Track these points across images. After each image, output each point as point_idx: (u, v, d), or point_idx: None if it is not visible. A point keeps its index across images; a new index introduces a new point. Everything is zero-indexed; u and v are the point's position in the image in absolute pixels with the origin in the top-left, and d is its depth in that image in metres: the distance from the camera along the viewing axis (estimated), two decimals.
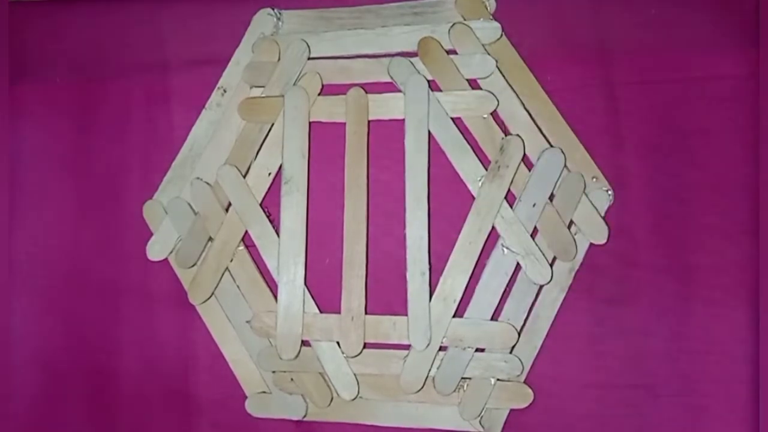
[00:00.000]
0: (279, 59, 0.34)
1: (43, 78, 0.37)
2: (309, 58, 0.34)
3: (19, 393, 0.36)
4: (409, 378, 0.32)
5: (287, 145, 0.33)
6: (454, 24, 0.33)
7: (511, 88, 0.33)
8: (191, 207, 0.34)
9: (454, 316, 0.32)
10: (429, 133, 0.32)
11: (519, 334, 0.32)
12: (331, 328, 0.33)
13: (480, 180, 0.32)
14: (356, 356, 0.32)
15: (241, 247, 0.34)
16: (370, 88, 0.34)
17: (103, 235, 0.36)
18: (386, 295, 0.33)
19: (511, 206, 0.32)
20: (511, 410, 0.32)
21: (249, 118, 0.34)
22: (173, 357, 0.35)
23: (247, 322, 0.33)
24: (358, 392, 0.33)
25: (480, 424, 0.32)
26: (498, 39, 0.33)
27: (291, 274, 0.33)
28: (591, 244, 0.32)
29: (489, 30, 0.33)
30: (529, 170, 0.32)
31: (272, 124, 0.34)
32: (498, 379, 0.32)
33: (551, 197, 0.32)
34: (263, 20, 0.35)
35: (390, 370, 0.32)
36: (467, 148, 0.32)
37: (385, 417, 0.33)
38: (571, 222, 0.32)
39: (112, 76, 0.37)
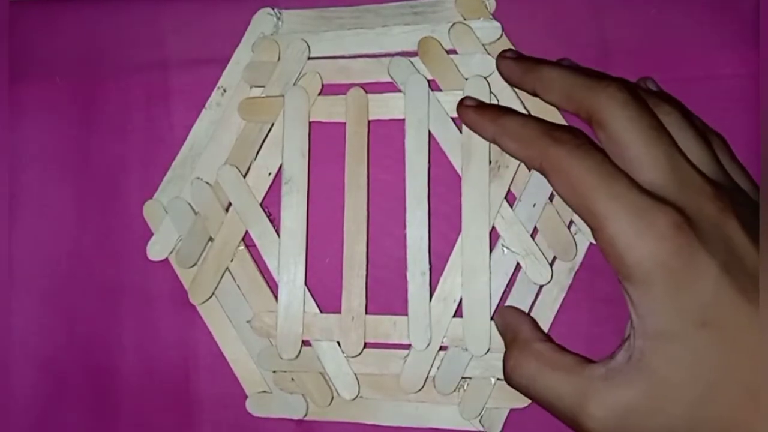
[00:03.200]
0: (279, 59, 0.34)
1: (43, 78, 0.37)
2: (309, 58, 0.34)
3: (18, 393, 0.36)
4: (409, 377, 0.32)
5: (287, 145, 0.33)
6: (454, 24, 0.33)
7: (511, 88, 0.33)
8: (191, 207, 0.34)
9: (454, 316, 0.32)
10: (429, 133, 0.33)
11: None
12: (331, 328, 0.33)
13: None
14: (357, 356, 0.32)
15: (242, 247, 0.34)
16: (370, 87, 0.34)
17: (103, 235, 0.36)
18: (386, 295, 0.33)
19: (511, 206, 0.32)
20: (511, 410, 0.32)
21: (249, 118, 0.34)
22: (174, 356, 0.35)
23: (248, 321, 0.34)
24: (359, 392, 0.33)
25: (480, 423, 0.32)
26: (498, 39, 0.33)
27: (291, 274, 0.33)
28: (591, 244, 0.32)
29: (489, 30, 0.33)
30: (529, 170, 0.32)
31: (272, 124, 0.34)
32: (498, 379, 0.32)
33: (551, 197, 0.32)
34: (263, 20, 0.35)
35: (390, 370, 0.33)
36: None
37: (385, 416, 0.33)
38: (571, 222, 0.32)
39: (112, 76, 0.37)
